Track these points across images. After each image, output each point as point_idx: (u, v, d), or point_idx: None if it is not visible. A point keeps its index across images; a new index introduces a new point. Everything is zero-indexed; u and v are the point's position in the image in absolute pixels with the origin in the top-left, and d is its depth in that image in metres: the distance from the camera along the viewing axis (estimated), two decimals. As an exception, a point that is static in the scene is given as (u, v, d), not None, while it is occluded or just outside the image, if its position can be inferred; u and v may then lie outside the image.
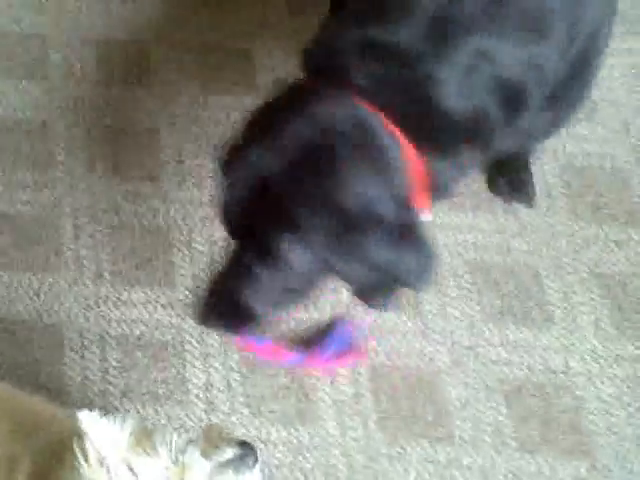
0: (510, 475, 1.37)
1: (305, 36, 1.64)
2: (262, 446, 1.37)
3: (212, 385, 1.44)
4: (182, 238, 1.58)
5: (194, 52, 1.82)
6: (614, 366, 1.46)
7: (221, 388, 1.43)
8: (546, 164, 1.65)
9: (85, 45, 1.82)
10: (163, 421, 1.40)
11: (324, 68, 1.15)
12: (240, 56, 1.82)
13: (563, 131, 1.61)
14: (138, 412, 1.41)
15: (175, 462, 0.90)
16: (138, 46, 1.83)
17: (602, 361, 1.46)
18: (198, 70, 1.80)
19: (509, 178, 1.61)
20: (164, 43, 1.83)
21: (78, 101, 1.76)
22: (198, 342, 1.47)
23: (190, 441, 0.93)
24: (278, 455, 1.38)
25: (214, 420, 1.40)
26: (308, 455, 1.38)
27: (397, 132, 1.09)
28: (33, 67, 1.80)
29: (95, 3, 1.87)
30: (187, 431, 1.38)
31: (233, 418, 1.41)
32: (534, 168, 1.62)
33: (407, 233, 1.09)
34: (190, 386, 1.44)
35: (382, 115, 1.08)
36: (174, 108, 1.75)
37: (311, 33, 1.08)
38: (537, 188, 1.62)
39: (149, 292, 1.53)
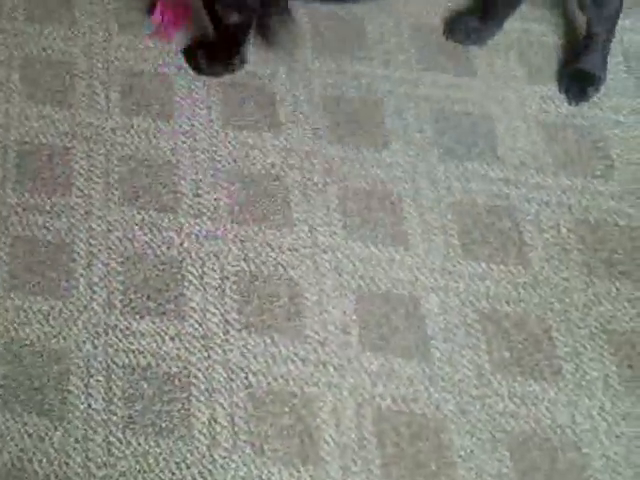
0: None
1: (330, 80, 1.67)
2: (263, 486, 1.36)
3: (216, 421, 1.43)
4: (194, 271, 1.59)
5: (217, 87, 1.83)
6: (622, 424, 1.44)
7: (225, 424, 1.42)
8: (561, 218, 1.66)
9: (111, 75, 1.85)
10: (165, 455, 1.39)
11: None
12: (262, 92, 1.83)
13: (579, 185, 1.63)
14: (139, 444, 1.40)
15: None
16: (162, 77, 1.85)
17: (610, 418, 1.45)
18: (220, 104, 1.82)
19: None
20: (188, 75, 1.85)
21: (100, 129, 1.78)
22: (204, 377, 1.47)
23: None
24: (279, 496, 1.37)
25: (216, 456, 1.39)
26: (309, 498, 1.37)
27: None
28: (59, 94, 1.82)
29: (123, 35, 1.90)
30: (189, 467, 1.37)
31: (235, 456, 1.39)
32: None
33: None
34: (194, 420, 1.43)
35: None
36: (194, 142, 1.77)
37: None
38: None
39: (158, 323, 1.53)
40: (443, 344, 1.51)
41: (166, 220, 1.65)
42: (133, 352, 1.50)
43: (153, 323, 1.53)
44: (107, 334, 1.52)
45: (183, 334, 1.52)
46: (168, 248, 1.62)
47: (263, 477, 1.38)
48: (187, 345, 1.51)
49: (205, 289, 1.56)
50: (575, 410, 1.45)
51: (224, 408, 1.44)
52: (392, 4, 1.93)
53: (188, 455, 1.40)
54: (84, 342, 1.51)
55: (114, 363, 1.49)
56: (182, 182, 1.72)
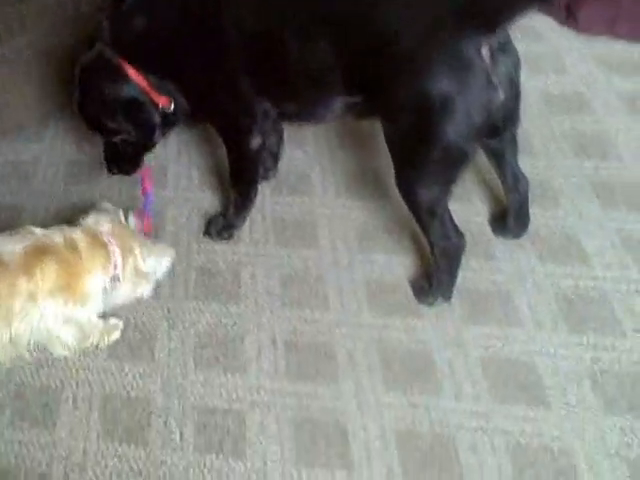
0: None
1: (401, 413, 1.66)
2: None
3: None
4: None
5: (289, 422, 1.85)
6: None
7: None
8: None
9: (186, 412, 1.89)
10: None
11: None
12: (334, 427, 1.83)
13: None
14: None
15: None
16: (235, 414, 1.88)
17: None
18: (292, 441, 1.82)
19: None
20: (260, 408, 1.88)
21: (173, 468, 1.79)
22: None
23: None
24: None
25: None
26: None
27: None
28: (135, 432, 1.86)
29: (199, 371, 1.97)
30: None
31: None
32: None
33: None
34: None
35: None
36: None
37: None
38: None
39: None
40: None
41: None
42: None
43: None
44: None
45: None
46: None
47: None
48: None
49: None
50: None
51: None
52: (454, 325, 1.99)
53: None
54: None
55: None
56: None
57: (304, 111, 2.04)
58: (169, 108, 2.10)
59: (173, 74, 2.05)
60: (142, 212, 2.27)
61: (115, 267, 1.95)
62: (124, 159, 2.25)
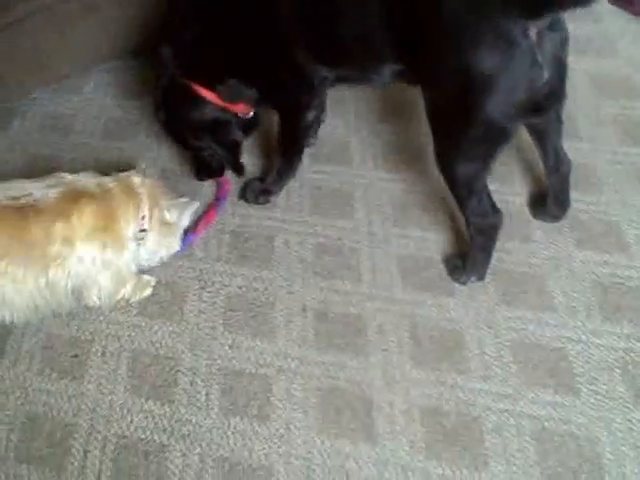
0: None
1: (429, 390, 1.65)
2: None
3: None
4: None
5: (315, 391, 1.85)
6: None
7: None
8: None
9: (213, 373, 1.90)
10: None
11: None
12: (360, 399, 1.84)
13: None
14: None
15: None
16: (262, 378, 1.89)
17: None
18: (317, 409, 1.82)
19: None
20: (287, 375, 1.89)
21: (197, 428, 1.80)
22: None
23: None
24: None
25: None
26: None
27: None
28: (162, 389, 1.87)
29: (228, 334, 1.98)
30: None
31: None
32: None
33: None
34: None
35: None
36: (289, 447, 1.76)
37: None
38: None
39: None
40: None
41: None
42: None
43: None
44: None
45: None
46: None
47: None
48: None
49: None
50: None
51: None
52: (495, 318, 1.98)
53: None
54: None
55: None
56: (275, 488, 1.68)
57: (356, 75, 2.03)
58: (248, 114, 2.23)
59: (240, 73, 2.07)
60: (211, 208, 2.29)
61: (143, 217, 1.95)
62: (212, 167, 2.31)
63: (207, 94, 2.12)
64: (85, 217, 1.83)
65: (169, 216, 2.06)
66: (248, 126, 2.28)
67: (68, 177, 1.93)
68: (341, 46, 1.91)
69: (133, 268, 2.01)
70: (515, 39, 1.62)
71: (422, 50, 1.77)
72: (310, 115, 2.16)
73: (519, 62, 1.65)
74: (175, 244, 2.11)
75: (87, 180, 1.93)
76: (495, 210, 1.93)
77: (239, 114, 2.21)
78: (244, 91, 2.12)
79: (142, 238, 1.98)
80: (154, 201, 2.00)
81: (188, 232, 2.18)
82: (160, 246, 2.06)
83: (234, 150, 2.25)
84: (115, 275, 1.94)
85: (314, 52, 1.96)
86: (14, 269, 1.78)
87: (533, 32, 1.63)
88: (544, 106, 1.82)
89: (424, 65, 1.79)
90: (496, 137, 1.77)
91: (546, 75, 1.68)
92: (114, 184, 1.94)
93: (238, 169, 2.27)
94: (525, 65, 1.65)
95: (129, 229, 1.93)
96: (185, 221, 2.14)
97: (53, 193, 1.84)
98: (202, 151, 2.26)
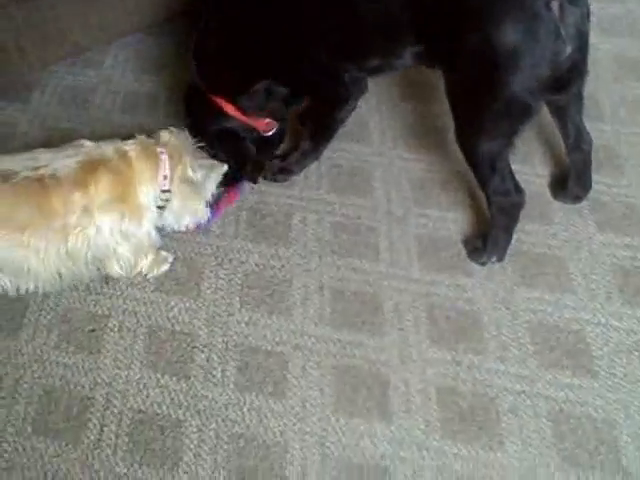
0: None
1: (445, 370, 1.65)
2: None
3: None
4: None
5: (331, 369, 1.85)
6: None
7: None
8: None
9: (229, 350, 1.90)
10: None
11: None
12: (375, 378, 1.83)
13: None
14: None
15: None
16: (278, 356, 1.89)
17: None
18: (333, 387, 1.82)
19: None
20: (303, 352, 1.89)
21: (213, 403, 1.81)
22: None
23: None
24: None
25: None
26: None
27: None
28: (178, 364, 1.88)
29: (245, 310, 1.98)
30: None
31: None
32: None
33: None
34: None
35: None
36: (304, 424, 1.76)
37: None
38: None
39: None
40: None
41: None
42: None
43: None
44: None
45: None
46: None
47: None
48: None
49: None
50: None
51: None
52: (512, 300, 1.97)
53: None
54: None
55: None
56: (289, 467, 1.68)
57: (379, 64, 2.00)
58: (269, 130, 2.22)
59: (268, 75, 2.05)
60: (233, 187, 2.24)
61: (165, 177, 1.94)
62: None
63: (232, 111, 2.11)
64: (102, 187, 1.83)
65: (194, 176, 2.00)
66: (269, 143, 2.25)
67: (87, 144, 1.92)
68: (363, 37, 1.88)
69: (156, 237, 1.99)
70: (537, 12, 1.61)
71: (444, 27, 1.75)
72: (348, 107, 2.16)
73: (543, 36, 1.64)
74: (200, 211, 2.06)
75: (106, 146, 1.92)
76: (518, 189, 1.91)
77: (260, 130, 2.19)
78: (270, 99, 2.09)
79: (167, 199, 1.96)
80: (177, 158, 1.96)
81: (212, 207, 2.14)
82: (185, 209, 2.02)
83: (243, 165, 2.20)
84: (135, 246, 1.93)
85: (337, 50, 1.94)
86: (36, 240, 1.79)
87: (555, 5, 1.61)
88: (567, 81, 1.80)
89: (446, 42, 1.77)
90: (519, 113, 1.76)
91: (569, 49, 1.66)
92: (133, 147, 1.92)
93: (250, 179, 2.24)
94: (548, 39, 1.64)
95: (148, 196, 1.91)
96: (212, 184, 2.06)
97: (72, 163, 1.83)
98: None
